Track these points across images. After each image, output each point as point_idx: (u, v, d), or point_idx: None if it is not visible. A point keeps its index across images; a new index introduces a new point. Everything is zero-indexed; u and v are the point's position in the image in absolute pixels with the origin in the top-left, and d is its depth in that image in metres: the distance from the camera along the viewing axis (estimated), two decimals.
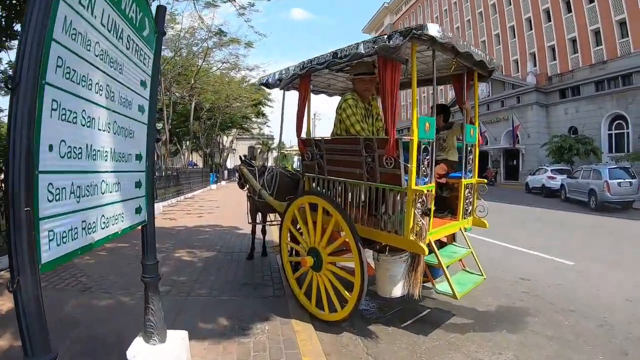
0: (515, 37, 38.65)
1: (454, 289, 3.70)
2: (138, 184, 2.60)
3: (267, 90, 36.24)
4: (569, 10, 32.42)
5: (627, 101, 27.08)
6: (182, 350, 2.62)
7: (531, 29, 36.62)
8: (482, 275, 4.37)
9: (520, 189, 24.28)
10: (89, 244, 1.96)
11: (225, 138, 48.59)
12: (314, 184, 4.61)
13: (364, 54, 3.55)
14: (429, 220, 3.53)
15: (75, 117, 1.82)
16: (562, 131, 29.70)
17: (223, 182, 34.88)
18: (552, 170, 22.65)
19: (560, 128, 31.01)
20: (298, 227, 4.62)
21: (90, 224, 1.97)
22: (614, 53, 28.79)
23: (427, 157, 3.55)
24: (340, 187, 4.24)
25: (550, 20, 34.44)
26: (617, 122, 28.30)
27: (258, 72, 27.66)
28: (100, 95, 2.07)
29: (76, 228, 1.84)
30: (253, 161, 7.00)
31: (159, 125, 29.26)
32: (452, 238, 4.72)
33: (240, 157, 6.94)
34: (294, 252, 5.12)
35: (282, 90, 5.01)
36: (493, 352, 3.64)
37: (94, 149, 2.02)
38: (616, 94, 28.05)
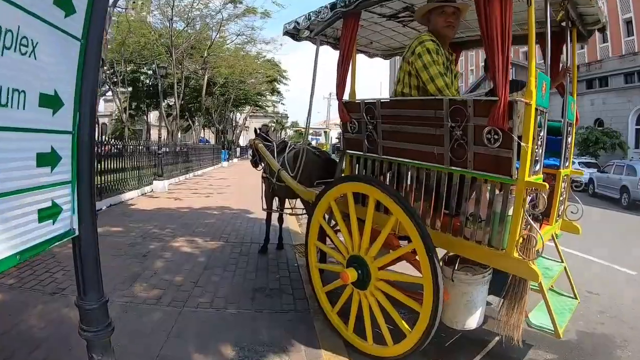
0: None
1: (556, 325, 2.59)
2: (46, 159, 1.30)
3: (283, 67, 35.38)
4: None
5: None
6: None
7: None
8: (577, 298, 3.28)
9: None
10: None
11: (238, 115, 47.55)
12: (357, 166, 3.38)
13: None
14: (540, 229, 2.39)
15: None
16: (588, 122, 28.26)
17: (235, 160, 34.42)
18: (579, 163, 21.41)
19: (586, 119, 29.39)
20: (333, 224, 3.46)
21: None
22: None
23: (541, 134, 2.41)
24: (401, 172, 3.00)
25: None
26: None
27: (275, 45, 26.61)
28: None
29: None
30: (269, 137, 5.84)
31: (171, 101, 28.39)
32: None
33: (256, 130, 5.77)
34: (319, 254, 3.97)
35: (314, 43, 3.82)
36: None
37: None
38: None
